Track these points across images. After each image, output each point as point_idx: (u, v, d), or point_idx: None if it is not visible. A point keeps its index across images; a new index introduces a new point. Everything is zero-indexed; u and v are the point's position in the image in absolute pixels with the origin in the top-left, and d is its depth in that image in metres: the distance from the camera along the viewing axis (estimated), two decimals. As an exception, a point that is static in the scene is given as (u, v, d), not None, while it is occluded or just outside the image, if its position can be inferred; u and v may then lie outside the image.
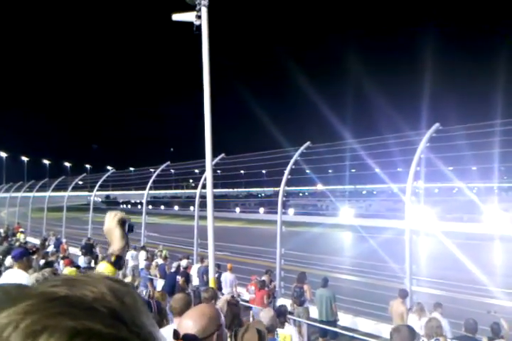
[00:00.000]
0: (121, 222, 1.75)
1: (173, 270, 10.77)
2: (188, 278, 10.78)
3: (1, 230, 21.02)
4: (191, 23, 10.65)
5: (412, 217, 10.01)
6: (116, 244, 1.72)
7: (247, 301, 10.26)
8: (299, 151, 12.47)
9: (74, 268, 7.01)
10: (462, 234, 23.40)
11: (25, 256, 4.10)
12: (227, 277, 11.19)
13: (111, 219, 1.75)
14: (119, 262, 1.67)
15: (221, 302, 4.53)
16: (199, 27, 10.56)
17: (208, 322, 1.63)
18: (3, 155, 69.43)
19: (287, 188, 12.89)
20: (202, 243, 14.08)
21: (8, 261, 5.22)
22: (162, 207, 52.96)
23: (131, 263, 14.13)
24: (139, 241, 17.55)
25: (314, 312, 9.92)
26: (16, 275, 3.86)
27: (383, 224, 28.52)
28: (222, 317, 1.71)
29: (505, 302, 10.31)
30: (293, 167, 12.48)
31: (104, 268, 1.64)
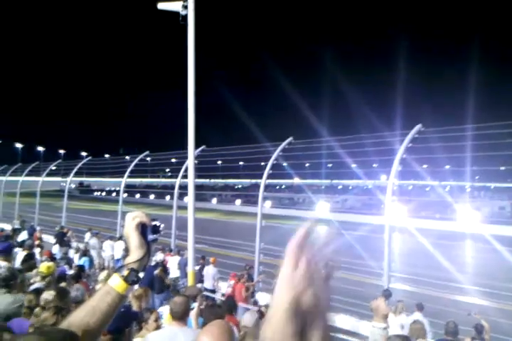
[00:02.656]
0: (141, 226, 1.49)
1: (152, 263, 10.72)
2: (165, 271, 10.73)
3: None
4: (177, 13, 10.56)
5: (392, 214, 10.01)
6: (132, 255, 1.47)
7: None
8: (282, 146, 12.54)
9: (51, 263, 6.90)
10: (435, 232, 23.90)
11: (11, 251, 4.08)
12: (208, 270, 11.17)
13: (129, 223, 1.49)
14: (132, 277, 1.43)
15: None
16: (185, 17, 10.48)
17: (227, 340, 1.61)
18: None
19: (269, 181, 12.91)
20: (179, 234, 14.03)
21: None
22: (137, 195, 52.49)
23: (108, 253, 13.99)
24: (115, 231, 17.40)
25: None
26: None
27: (360, 219, 28.90)
28: (236, 334, 1.70)
29: (481, 301, 10.58)
30: (274, 162, 12.55)
31: (116, 283, 1.42)
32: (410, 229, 16.80)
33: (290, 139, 12.69)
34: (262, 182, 12.61)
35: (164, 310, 5.17)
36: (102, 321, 1.37)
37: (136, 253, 1.47)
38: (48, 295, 3.36)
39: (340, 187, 66.72)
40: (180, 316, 3.59)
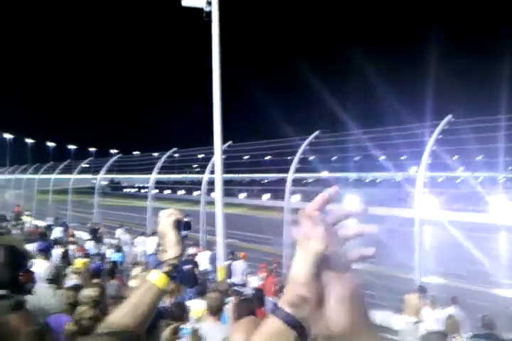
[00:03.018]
0: (177, 224, 1.54)
1: (184, 258, 10.85)
2: (196, 266, 10.83)
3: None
4: (201, 11, 10.62)
5: (422, 207, 9.86)
6: (170, 251, 1.53)
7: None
8: (309, 140, 12.49)
9: (86, 259, 7.08)
10: (468, 224, 23.28)
11: (50, 250, 4.23)
12: (237, 265, 11.28)
13: (164, 221, 1.54)
14: (174, 272, 1.50)
15: None
16: (209, 13, 10.53)
17: None
18: (8, 136, 69.77)
19: (296, 175, 12.86)
20: (209, 230, 14.11)
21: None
22: (165, 191, 53.06)
23: (140, 249, 14.23)
24: (145, 226, 17.63)
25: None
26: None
27: (389, 212, 28.42)
28: None
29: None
30: (301, 156, 12.51)
31: (156, 278, 1.47)
32: (442, 221, 16.43)
33: (317, 133, 12.63)
34: (289, 176, 12.58)
35: (192, 304, 5.22)
36: (145, 316, 1.42)
37: (174, 250, 1.53)
38: (89, 291, 3.44)
39: (367, 180, 65.92)
40: (215, 311, 3.62)
